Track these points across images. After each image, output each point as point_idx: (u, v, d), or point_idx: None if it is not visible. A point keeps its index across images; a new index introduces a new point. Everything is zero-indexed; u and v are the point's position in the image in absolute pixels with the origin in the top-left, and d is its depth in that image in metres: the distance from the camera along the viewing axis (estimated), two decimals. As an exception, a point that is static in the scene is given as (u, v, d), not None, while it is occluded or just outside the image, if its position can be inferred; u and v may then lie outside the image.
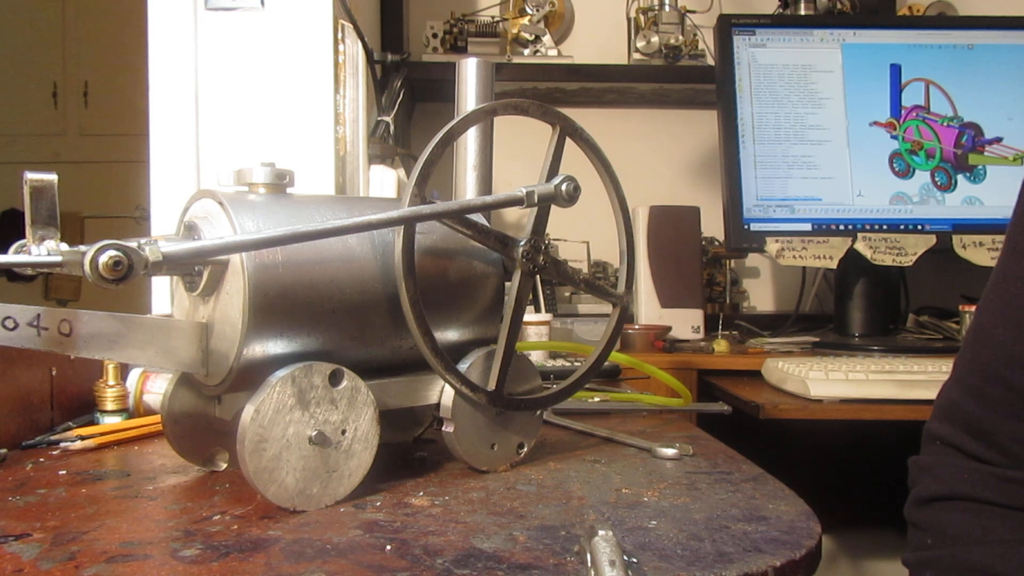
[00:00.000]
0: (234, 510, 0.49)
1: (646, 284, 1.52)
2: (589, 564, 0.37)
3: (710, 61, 1.73)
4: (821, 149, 1.48)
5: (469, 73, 0.63)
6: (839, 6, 1.68)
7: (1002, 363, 0.59)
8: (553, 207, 0.58)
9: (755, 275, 1.90)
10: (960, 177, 1.48)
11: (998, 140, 1.49)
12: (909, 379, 1.09)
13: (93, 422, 0.73)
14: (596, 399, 0.85)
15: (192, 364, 0.50)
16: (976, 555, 0.57)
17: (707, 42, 1.73)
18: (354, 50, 0.98)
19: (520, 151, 1.34)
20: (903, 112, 1.49)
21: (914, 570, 0.62)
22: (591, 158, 0.62)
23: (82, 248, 0.41)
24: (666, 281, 1.53)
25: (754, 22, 1.51)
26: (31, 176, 0.43)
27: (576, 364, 0.92)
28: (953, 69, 1.50)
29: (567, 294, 1.62)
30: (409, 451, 0.64)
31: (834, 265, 1.41)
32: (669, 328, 1.48)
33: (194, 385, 0.55)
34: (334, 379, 0.50)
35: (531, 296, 0.81)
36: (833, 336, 1.52)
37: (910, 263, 1.40)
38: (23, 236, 0.43)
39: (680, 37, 1.74)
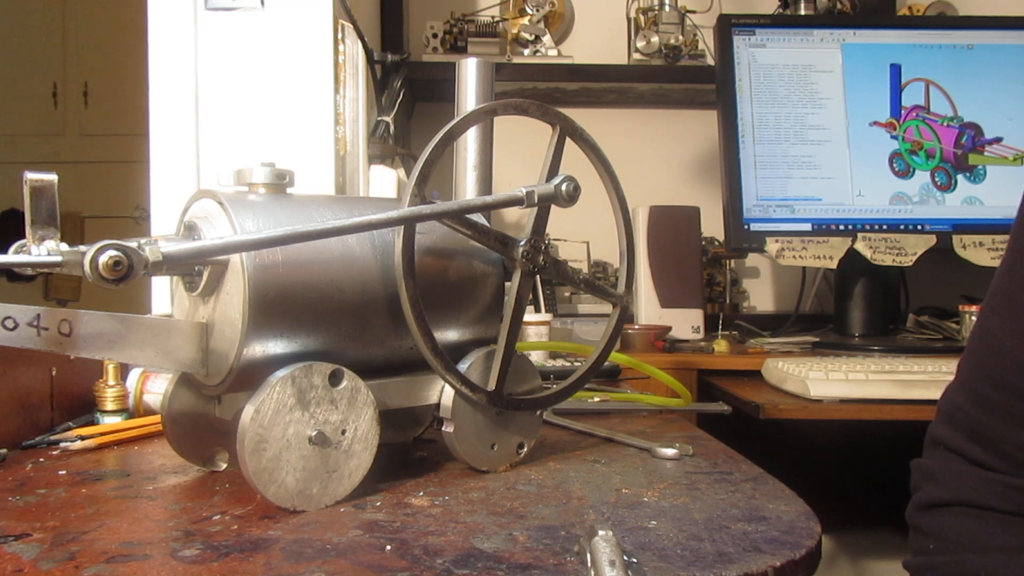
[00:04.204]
0: (234, 510, 0.49)
1: (646, 284, 1.52)
2: (589, 564, 0.37)
3: (710, 61, 1.73)
4: (821, 149, 1.48)
5: (469, 73, 0.63)
6: (839, 6, 1.68)
7: (1010, 370, 0.58)
8: (553, 207, 0.58)
9: (755, 275, 1.90)
10: (960, 177, 1.48)
11: (998, 140, 1.49)
12: (909, 379, 1.09)
13: (93, 422, 0.73)
14: (596, 399, 0.85)
15: (192, 364, 0.50)
16: (979, 562, 0.57)
17: (707, 42, 1.73)
18: (354, 50, 0.98)
19: (520, 151, 1.34)
20: (903, 112, 1.49)
21: (916, 574, 0.62)
22: (591, 158, 0.62)
23: (82, 248, 0.41)
24: (666, 281, 1.53)
25: (754, 22, 1.52)
26: (31, 176, 0.43)
27: (576, 364, 0.92)
28: (953, 69, 1.50)
29: (567, 294, 1.62)
30: (409, 451, 0.64)
31: (834, 265, 1.41)
32: (669, 328, 1.48)
33: (194, 385, 0.55)
34: (334, 379, 0.50)
35: (531, 296, 0.81)
36: (833, 336, 1.52)
37: (910, 263, 1.40)
38: (23, 236, 0.43)
39: (680, 37, 1.74)
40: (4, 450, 0.63)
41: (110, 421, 0.73)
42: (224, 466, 0.59)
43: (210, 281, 0.50)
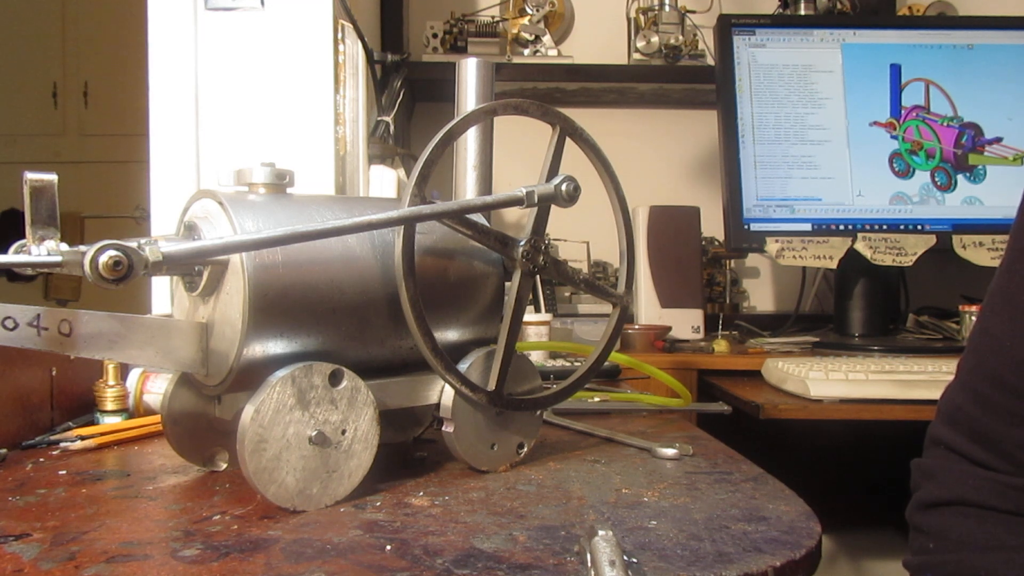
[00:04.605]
0: (234, 510, 0.49)
1: (646, 284, 1.52)
2: (589, 564, 0.37)
3: (710, 61, 1.73)
4: (821, 149, 1.48)
5: (469, 73, 0.63)
6: (839, 6, 1.68)
7: (1010, 370, 0.58)
8: (553, 207, 0.58)
9: (755, 275, 1.90)
10: (960, 177, 1.48)
11: (998, 140, 1.49)
12: (909, 379, 1.09)
13: (93, 422, 0.73)
14: (596, 399, 0.85)
15: (192, 364, 0.50)
16: (979, 561, 0.57)
17: (707, 42, 1.73)
18: (354, 50, 0.98)
19: (520, 151, 1.34)
20: (903, 112, 1.49)
21: (916, 574, 0.62)
22: (591, 158, 0.62)
23: (82, 248, 0.41)
24: (666, 281, 1.53)
25: (754, 22, 1.52)
26: (31, 176, 0.43)
27: (576, 364, 0.92)
28: (953, 69, 1.50)
29: (567, 294, 1.62)
30: (409, 451, 0.64)
31: (834, 265, 1.41)
32: (669, 328, 1.48)
33: (194, 385, 0.55)
34: (334, 379, 0.50)
35: (531, 296, 0.81)
36: (833, 336, 1.52)
37: (910, 263, 1.40)
38: (23, 236, 0.43)
39: (680, 37, 1.74)
40: (4, 450, 0.63)
41: (110, 421, 0.73)
42: (224, 466, 0.59)
43: (210, 281, 0.50)
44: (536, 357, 1.10)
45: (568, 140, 0.60)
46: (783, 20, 1.61)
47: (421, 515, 0.48)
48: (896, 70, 1.50)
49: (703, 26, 1.75)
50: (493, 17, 1.78)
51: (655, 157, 1.88)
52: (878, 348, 1.39)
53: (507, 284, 0.59)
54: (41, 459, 0.63)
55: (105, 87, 2.32)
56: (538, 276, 0.59)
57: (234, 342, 0.48)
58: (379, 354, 0.55)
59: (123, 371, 0.76)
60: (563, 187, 0.57)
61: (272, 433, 0.48)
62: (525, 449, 0.60)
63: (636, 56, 1.77)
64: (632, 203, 0.68)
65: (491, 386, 0.56)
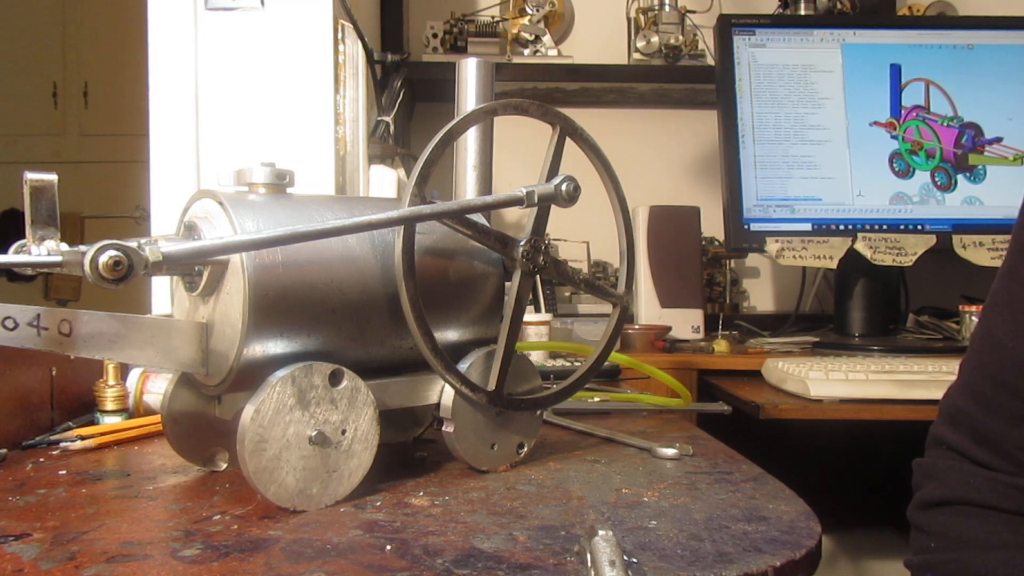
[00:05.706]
0: (234, 510, 0.49)
1: (646, 284, 1.52)
2: (589, 564, 0.37)
3: (710, 61, 1.73)
4: (821, 149, 1.48)
5: (469, 73, 0.63)
6: (839, 6, 1.68)
7: (1011, 371, 0.58)
8: (553, 207, 0.58)
9: (755, 275, 1.90)
10: (960, 177, 1.48)
11: (998, 140, 1.49)
12: (909, 379, 1.09)
13: (93, 422, 0.73)
14: (596, 399, 0.85)
15: (192, 364, 0.50)
16: (980, 560, 0.57)
17: (707, 42, 1.73)
18: (354, 50, 0.98)
19: (520, 151, 1.34)
20: (903, 112, 1.49)
21: (917, 573, 0.62)
22: (591, 158, 0.62)
23: (82, 248, 0.41)
24: (666, 281, 1.53)
25: (754, 22, 1.52)
26: (31, 176, 0.43)
27: (576, 364, 0.92)
28: (953, 69, 1.50)
29: (567, 294, 1.62)
30: (409, 451, 0.64)
31: (834, 265, 1.41)
32: (669, 328, 1.48)
33: (194, 385, 0.55)
34: (334, 379, 0.50)
35: (531, 296, 0.81)
36: (833, 336, 1.52)
37: (910, 263, 1.40)
38: (23, 236, 0.43)
39: (680, 37, 1.74)
40: (4, 450, 0.63)
41: (110, 421, 0.73)
42: (224, 466, 0.59)
43: (210, 281, 0.50)
44: (536, 357, 1.10)
45: (568, 140, 0.60)
46: (783, 20, 1.61)
47: (421, 515, 0.48)
48: (896, 70, 1.50)
49: (703, 26, 1.75)
50: (493, 17, 1.78)
51: (655, 157, 1.88)
52: (878, 348, 1.39)
53: (507, 284, 0.59)
54: (41, 459, 0.63)
55: (105, 87, 2.32)
56: (538, 276, 0.59)
57: (234, 342, 0.48)
58: (379, 354, 0.55)
59: (123, 371, 0.76)
60: (563, 187, 0.57)
61: (272, 433, 0.48)
62: (525, 449, 0.60)
63: (636, 56, 1.77)
64: (632, 203, 0.68)
65: (491, 386, 0.56)
